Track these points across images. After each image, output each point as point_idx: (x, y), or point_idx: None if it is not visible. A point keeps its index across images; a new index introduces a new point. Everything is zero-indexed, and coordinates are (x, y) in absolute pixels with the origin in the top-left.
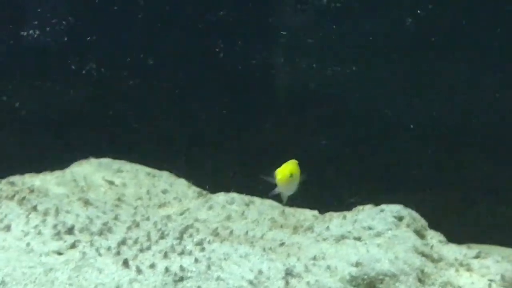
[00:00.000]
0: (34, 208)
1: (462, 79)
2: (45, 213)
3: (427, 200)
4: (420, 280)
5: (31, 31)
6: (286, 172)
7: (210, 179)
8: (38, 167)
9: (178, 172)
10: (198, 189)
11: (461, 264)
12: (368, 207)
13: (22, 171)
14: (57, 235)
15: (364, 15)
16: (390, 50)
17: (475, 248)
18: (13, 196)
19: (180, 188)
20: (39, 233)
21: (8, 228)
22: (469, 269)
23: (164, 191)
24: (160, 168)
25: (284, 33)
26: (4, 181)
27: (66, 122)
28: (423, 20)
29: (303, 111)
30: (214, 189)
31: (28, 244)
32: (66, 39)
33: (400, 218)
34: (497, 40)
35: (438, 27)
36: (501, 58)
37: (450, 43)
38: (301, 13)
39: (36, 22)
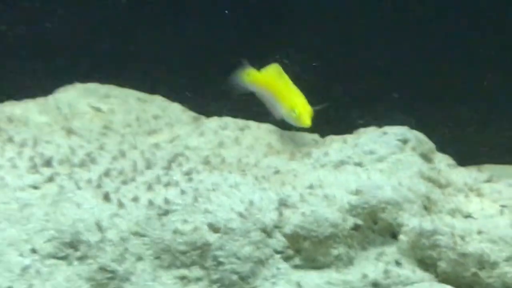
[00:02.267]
0: (10, 139)
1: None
2: (22, 144)
3: (439, 118)
4: (426, 208)
5: None
6: (309, 111)
7: (207, 103)
8: (22, 93)
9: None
10: (193, 114)
11: (471, 189)
12: (370, 130)
13: (3, 98)
14: (34, 168)
15: None
16: None
17: (487, 171)
18: None
19: (173, 113)
20: (14, 166)
21: None
22: (479, 194)
23: (156, 117)
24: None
25: None
26: None
27: (53, 46)
28: None
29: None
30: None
31: (1, 178)
32: None
33: (405, 141)
34: None
35: None
36: None
37: None
38: None
39: None
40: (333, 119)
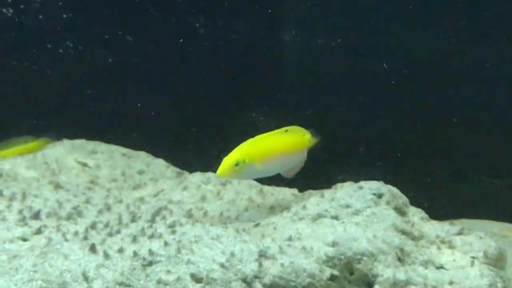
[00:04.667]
0: (0, 193)
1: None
2: (11, 198)
3: (412, 175)
4: (399, 259)
5: None
6: (228, 163)
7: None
8: None
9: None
10: (176, 169)
11: (443, 242)
12: (347, 184)
13: None
14: (22, 220)
15: None
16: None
17: (458, 224)
18: None
19: (157, 168)
20: (3, 219)
21: None
22: (451, 246)
23: (140, 172)
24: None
25: None
26: None
27: (40, 104)
28: None
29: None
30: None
31: None
32: (40, 17)
33: (380, 195)
34: None
35: None
36: None
37: None
38: None
39: None
40: (312, 175)
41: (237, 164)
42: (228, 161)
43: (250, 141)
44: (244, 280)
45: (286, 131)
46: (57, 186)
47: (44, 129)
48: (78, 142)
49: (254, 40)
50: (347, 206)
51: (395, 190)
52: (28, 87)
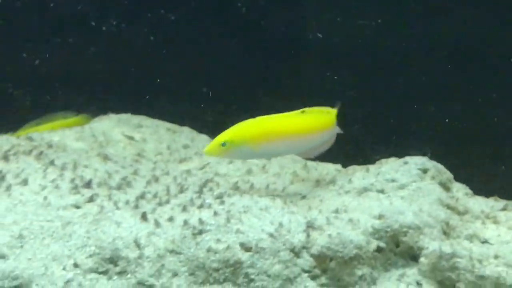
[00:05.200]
0: (52, 163)
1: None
2: (63, 167)
3: (454, 153)
4: (445, 233)
5: None
6: (215, 142)
7: None
8: None
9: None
10: None
11: (487, 217)
12: (391, 160)
13: None
14: (75, 189)
15: None
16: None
17: (502, 201)
18: (31, 151)
19: (201, 143)
20: (57, 187)
21: (25, 182)
22: (495, 221)
23: (185, 146)
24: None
25: None
26: (22, 136)
27: (85, 79)
28: None
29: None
30: None
31: (45, 198)
32: None
33: (425, 171)
34: None
35: None
36: None
37: None
38: None
39: None
40: (352, 154)
41: (223, 144)
42: (216, 140)
43: (248, 122)
44: (292, 250)
45: (303, 112)
46: (105, 158)
47: (87, 105)
48: (124, 116)
49: (297, 19)
50: (393, 181)
51: (439, 165)
52: (72, 64)
